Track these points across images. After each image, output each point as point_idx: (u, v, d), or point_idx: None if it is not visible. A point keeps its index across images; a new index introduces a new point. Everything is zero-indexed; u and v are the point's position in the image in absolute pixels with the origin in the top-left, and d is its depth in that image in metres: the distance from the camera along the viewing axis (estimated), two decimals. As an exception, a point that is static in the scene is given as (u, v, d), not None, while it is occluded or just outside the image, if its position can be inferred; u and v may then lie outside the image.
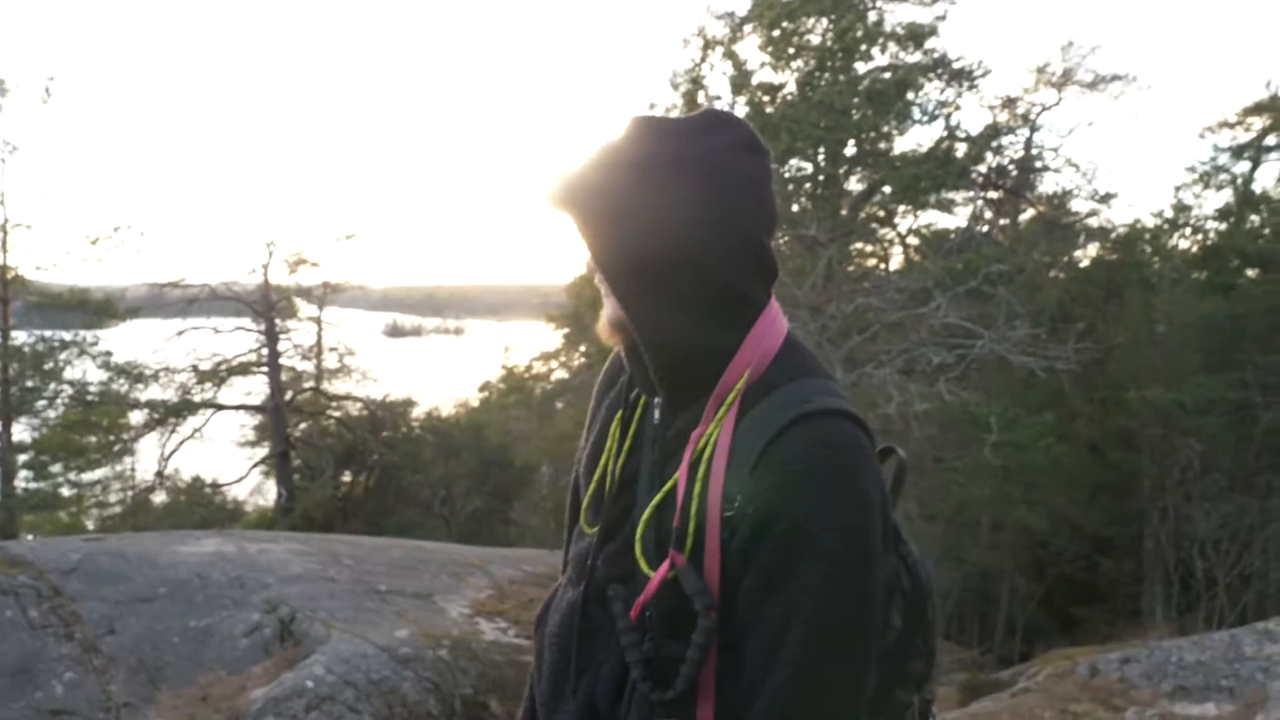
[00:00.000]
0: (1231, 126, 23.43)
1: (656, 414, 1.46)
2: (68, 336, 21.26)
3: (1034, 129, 24.21)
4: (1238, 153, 23.60)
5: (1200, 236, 23.47)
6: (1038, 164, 24.43)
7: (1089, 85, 23.72)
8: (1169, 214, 23.40)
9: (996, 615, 22.60)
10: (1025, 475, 15.83)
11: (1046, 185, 24.82)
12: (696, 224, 1.32)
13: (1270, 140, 23.16)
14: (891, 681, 1.39)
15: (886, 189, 15.95)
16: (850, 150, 14.92)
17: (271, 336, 23.53)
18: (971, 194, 21.62)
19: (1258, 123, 23.05)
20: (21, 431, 20.94)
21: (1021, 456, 13.84)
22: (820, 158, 15.64)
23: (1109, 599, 21.84)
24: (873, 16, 18.11)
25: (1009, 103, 24.04)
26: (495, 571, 10.20)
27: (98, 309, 21.08)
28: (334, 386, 25.94)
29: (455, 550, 11.68)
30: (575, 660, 1.48)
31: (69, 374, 21.21)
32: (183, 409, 22.08)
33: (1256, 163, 23.52)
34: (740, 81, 15.29)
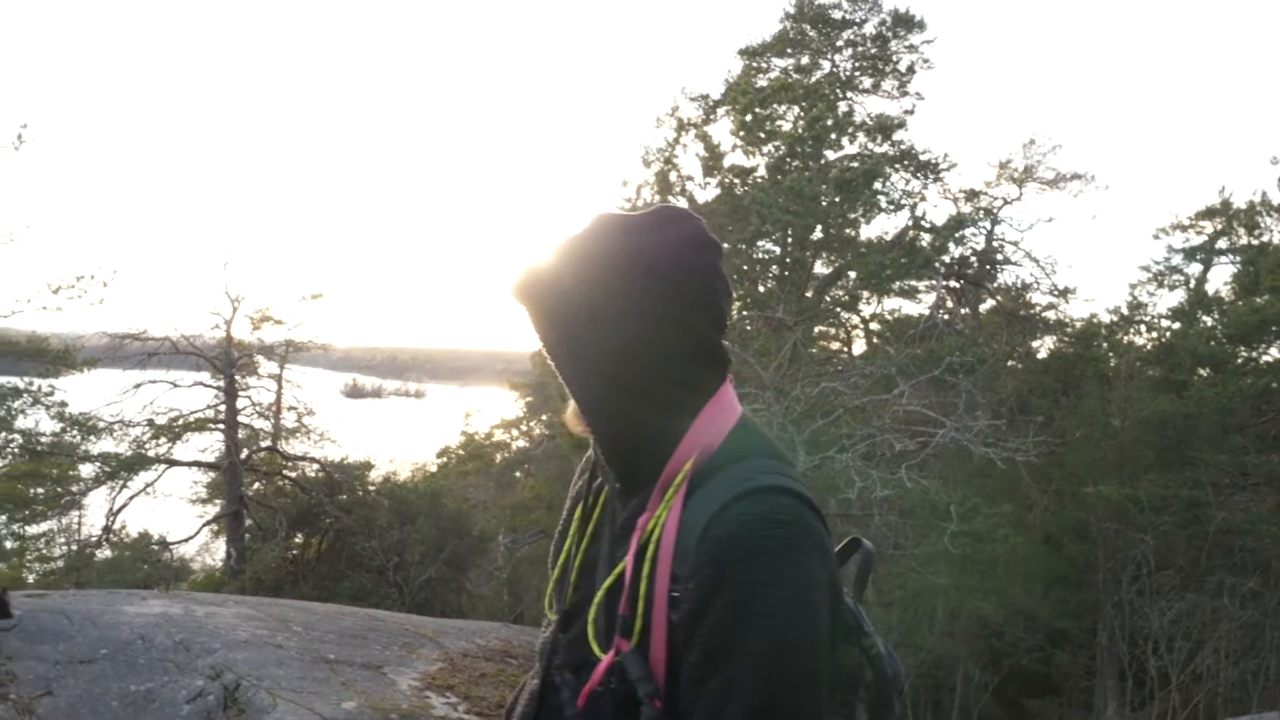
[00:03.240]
0: (1184, 229, 24.20)
1: (617, 500, 1.48)
2: (21, 384, 20.87)
3: (995, 222, 24.91)
4: (1190, 254, 24.34)
5: (1154, 334, 24.02)
6: (999, 256, 25.04)
7: (1049, 182, 24.53)
8: (1125, 311, 23.96)
9: (951, 703, 22.46)
10: (982, 565, 15.87)
11: (1007, 277, 25.43)
12: (648, 319, 1.35)
13: (1221, 244, 23.92)
14: None
15: (852, 274, 16.23)
16: (818, 235, 15.19)
17: (231, 393, 23.23)
18: (934, 282, 22.04)
19: (1209, 226, 23.81)
20: (-35, 481, 20.42)
21: (980, 546, 13.89)
22: (789, 241, 15.91)
23: (1062, 691, 21.81)
24: (843, 107, 18.62)
25: (972, 195, 24.76)
26: (447, 644, 10.02)
27: (55, 358, 20.73)
28: (291, 446, 25.57)
29: (407, 620, 11.47)
30: None
31: (20, 423, 20.77)
32: (135, 463, 21.63)
33: (1208, 265, 24.24)
34: (712, 163, 15.59)
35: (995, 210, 24.83)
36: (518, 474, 25.86)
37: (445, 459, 28.06)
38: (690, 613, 1.27)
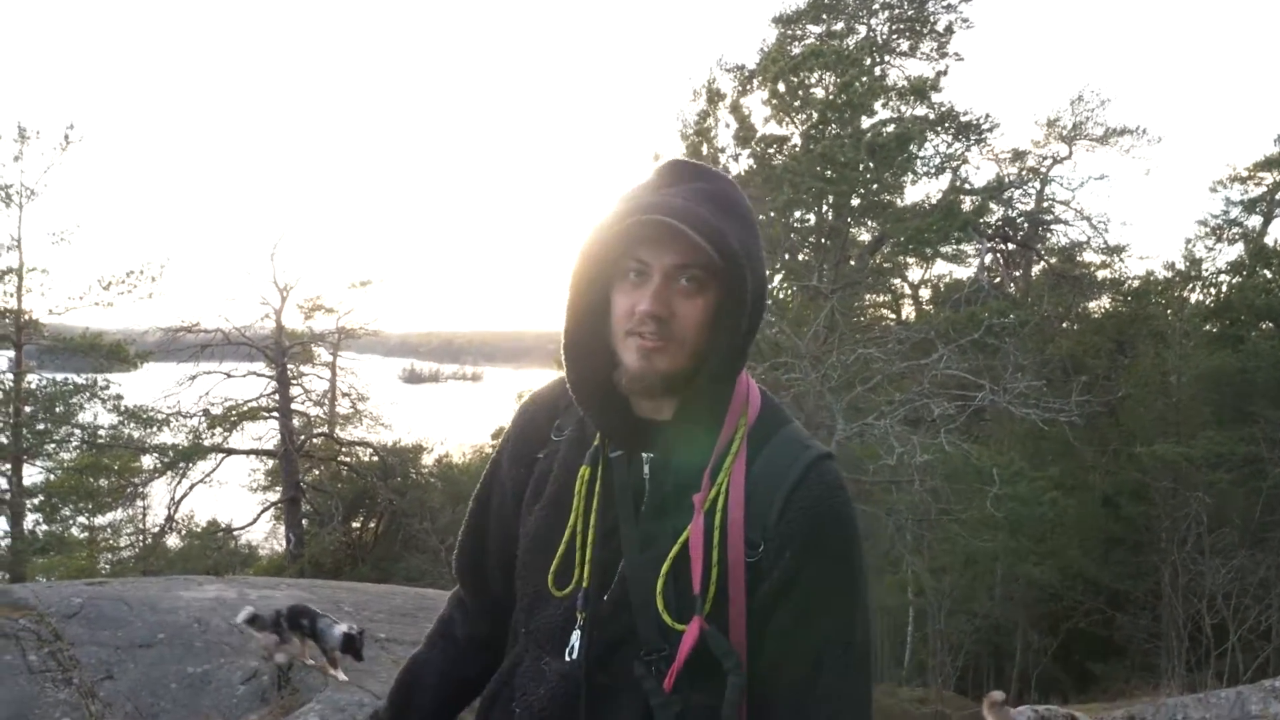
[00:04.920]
0: (1243, 180, 23.48)
1: (646, 468, 1.44)
2: (80, 380, 21.45)
3: (1045, 182, 24.43)
4: (1249, 206, 23.64)
5: (1212, 290, 23.42)
6: (1048, 217, 24.59)
7: (1099, 139, 23.97)
8: (1181, 267, 23.40)
9: (1011, 669, 22.29)
10: (1033, 528, 15.70)
11: (1058, 238, 24.96)
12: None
13: (1282, 195, 23.19)
14: None
15: (892, 240, 16.07)
16: (856, 202, 15.03)
17: (284, 381, 23.64)
18: (980, 245, 21.73)
19: (1269, 177, 23.10)
20: (32, 475, 21.06)
21: (1026, 510, 13.74)
22: (826, 209, 15.78)
23: (1126, 654, 21.52)
24: (877, 71, 18.37)
25: (1018, 156, 24.30)
26: (495, 620, 10.16)
27: (110, 353, 21.25)
28: (346, 433, 25.98)
29: (456, 598, 11.68)
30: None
31: (81, 417, 21.36)
32: (193, 453, 22.14)
33: (1269, 217, 23.53)
34: (745, 134, 15.49)
35: (1044, 170, 24.37)
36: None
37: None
38: (781, 577, 1.35)
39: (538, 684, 1.47)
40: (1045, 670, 21.45)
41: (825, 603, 1.36)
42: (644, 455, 1.44)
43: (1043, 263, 25.00)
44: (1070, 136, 24.12)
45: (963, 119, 22.18)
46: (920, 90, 18.65)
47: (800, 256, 16.21)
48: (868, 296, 20.47)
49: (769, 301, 1.35)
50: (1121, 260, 23.37)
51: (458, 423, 37.26)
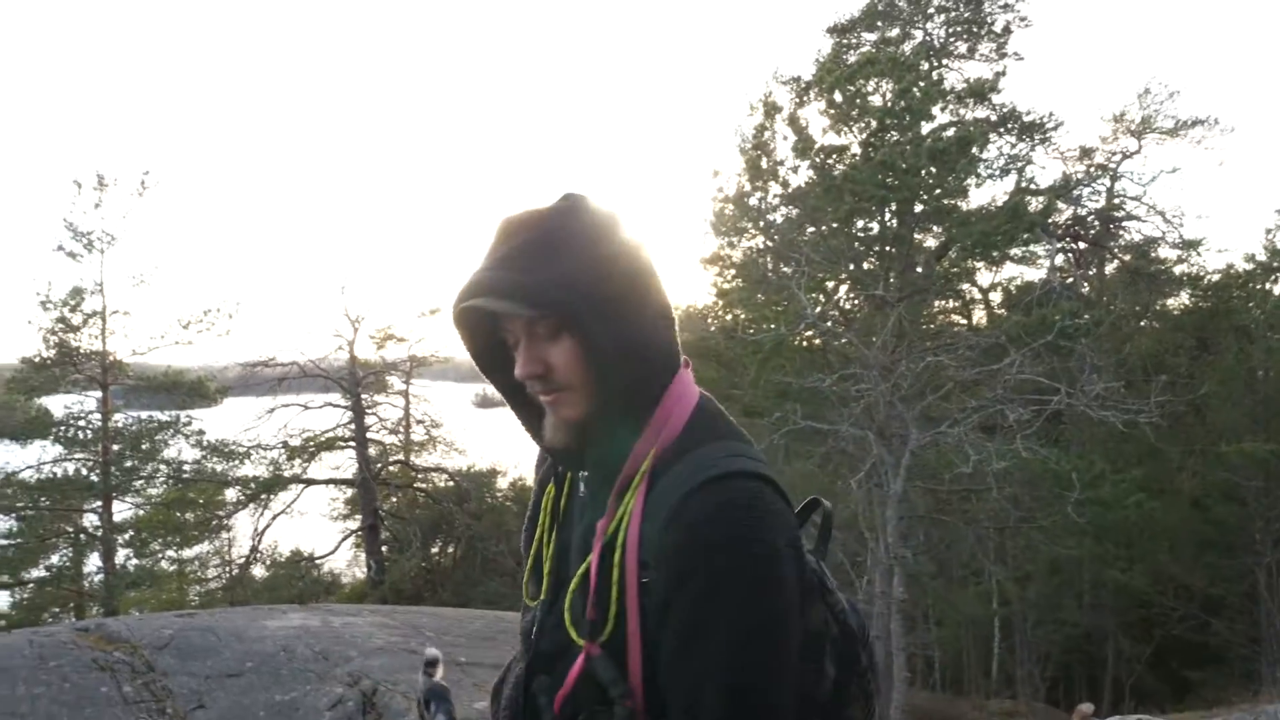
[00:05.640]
0: (1323, 166, 22.72)
1: (582, 487, 1.51)
2: (164, 417, 22.11)
3: (1114, 178, 23.89)
4: (1331, 192, 22.87)
5: (1297, 280, 22.66)
6: (1120, 213, 24.04)
7: (1169, 131, 23.37)
8: (1262, 258, 22.68)
9: (1104, 678, 21.71)
10: (1118, 533, 15.28)
11: (1131, 234, 24.38)
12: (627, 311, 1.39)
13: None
14: None
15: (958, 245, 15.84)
16: (919, 208, 14.86)
17: (359, 411, 24.11)
18: (1050, 246, 21.32)
19: (1351, 161, 22.33)
20: (122, 511, 21.73)
21: (1110, 514, 13.37)
22: (889, 217, 15.63)
23: (1224, 661, 20.81)
24: (934, 75, 18.17)
25: (1086, 153, 23.82)
26: (573, 642, 10.22)
27: (191, 389, 21.90)
28: (421, 459, 26.37)
29: (534, 620, 11.76)
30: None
31: (166, 453, 22.02)
32: (274, 485, 22.67)
33: (1356, 202, 22.73)
34: (804, 146, 15.43)
35: (1113, 166, 23.84)
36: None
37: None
38: (662, 601, 1.30)
39: (509, 685, 1.59)
40: (1140, 679, 20.84)
41: (701, 635, 1.27)
42: (581, 475, 1.51)
43: (1116, 261, 24.43)
44: (1139, 130, 23.57)
45: (1025, 119, 21.82)
46: (979, 92, 18.39)
47: (865, 266, 16.05)
48: (936, 303, 20.14)
49: (675, 310, 1.27)
50: (1199, 254, 22.69)
51: (530, 446, 37.51)
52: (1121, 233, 24.48)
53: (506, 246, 1.40)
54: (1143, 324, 23.82)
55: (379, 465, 25.01)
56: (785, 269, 15.98)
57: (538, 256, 1.37)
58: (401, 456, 26.13)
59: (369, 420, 24.59)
